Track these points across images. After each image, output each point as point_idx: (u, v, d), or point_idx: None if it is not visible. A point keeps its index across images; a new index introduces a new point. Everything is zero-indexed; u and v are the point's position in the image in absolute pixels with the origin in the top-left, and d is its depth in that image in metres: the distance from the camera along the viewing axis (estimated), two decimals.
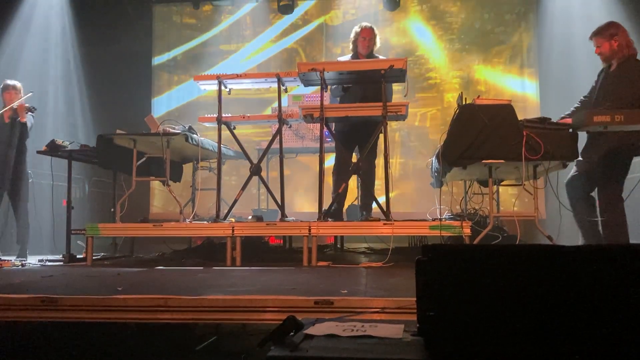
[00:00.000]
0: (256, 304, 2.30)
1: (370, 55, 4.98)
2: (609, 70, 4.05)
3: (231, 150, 5.68)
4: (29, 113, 5.29)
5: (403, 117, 4.56)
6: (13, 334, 2.67)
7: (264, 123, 6.88)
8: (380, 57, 5.00)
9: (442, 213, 4.78)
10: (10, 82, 5.38)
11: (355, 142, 4.94)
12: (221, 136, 4.80)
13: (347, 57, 5.13)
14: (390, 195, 4.29)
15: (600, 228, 3.96)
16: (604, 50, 4.01)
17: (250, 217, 4.80)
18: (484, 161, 3.68)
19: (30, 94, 5.37)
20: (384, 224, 4.04)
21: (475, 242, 3.83)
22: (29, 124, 5.29)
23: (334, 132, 4.88)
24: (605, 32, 3.99)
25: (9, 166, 5.19)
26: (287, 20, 8.48)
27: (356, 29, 5.02)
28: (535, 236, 4.72)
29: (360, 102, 4.71)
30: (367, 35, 4.95)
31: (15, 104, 5.20)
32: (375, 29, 5.01)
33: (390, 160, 4.43)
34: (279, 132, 4.70)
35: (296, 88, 5.73)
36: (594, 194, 4.06)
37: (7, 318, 2.44)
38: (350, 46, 5.11)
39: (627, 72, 3.89)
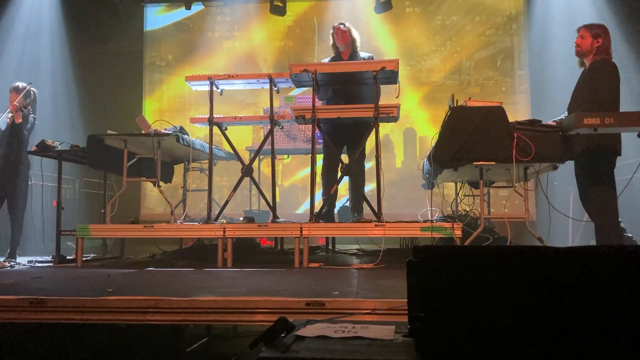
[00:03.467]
0: (247, 305, 2.29)
1: (354, 52, 4.98)
2: (584, 72, 4.04)
3: (222, 151, 5.67)
4: (26, 110, 5.17)
5: (395, 119, 4.56)
6: (1, 335, 2.65)
7: (255, 124, 6.88)
8: (362, 53, 5.01)
9: (433, 215, 4.80)
10: (16, 84, 5.26)
11: (345, 143, 4.91)
12: (212, 137, 4.79)
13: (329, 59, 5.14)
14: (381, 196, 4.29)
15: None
16: (583, 44, 3.95)
17: (241, 219, 4.78)
18: (475, 163, 3.70)
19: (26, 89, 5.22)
20: (376, 225, 4.04)
21: (466, 243, 3.85)
22: (28, 124, 5.19)
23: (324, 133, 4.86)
24: (594, 30, 3.96)
25: (8, 168, 5.10)
26: (279, 20, 8.47)
27: (331, 31, 5.05)
28: (526, 238, 4.75)
29: (349, 103, 4.69)
30: (339, 30, 4.95)
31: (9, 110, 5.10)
32: (347, 23, 5.01)
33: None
34: (270, 133, 4.69)
35: (292, 91, 5.73)
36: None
37: None
38: (332, 49, 5.13)
39: (595, 73, 3.86)
